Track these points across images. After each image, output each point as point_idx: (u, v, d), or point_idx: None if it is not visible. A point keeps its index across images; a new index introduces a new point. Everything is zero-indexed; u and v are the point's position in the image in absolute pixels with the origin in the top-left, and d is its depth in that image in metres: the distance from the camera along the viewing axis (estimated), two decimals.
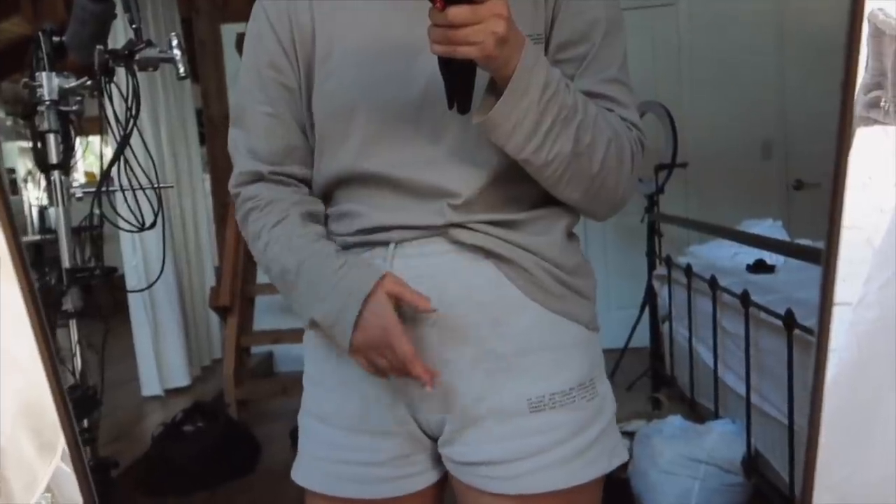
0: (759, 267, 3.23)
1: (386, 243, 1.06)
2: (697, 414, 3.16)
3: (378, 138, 1.05)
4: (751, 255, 3.32)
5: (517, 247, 1.06)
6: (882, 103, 0.89)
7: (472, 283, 1.05)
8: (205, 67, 4.85)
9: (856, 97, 0.84)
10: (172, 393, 4.57)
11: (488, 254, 1.05)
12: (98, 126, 2.20)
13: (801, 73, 4.71)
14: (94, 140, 2.57)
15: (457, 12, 0.85)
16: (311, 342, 1.16)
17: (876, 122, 0.90)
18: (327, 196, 1.14)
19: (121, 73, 2.07)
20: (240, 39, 1.21)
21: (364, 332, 1.00)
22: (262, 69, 1.12)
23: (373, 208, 1.07)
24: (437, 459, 1.13)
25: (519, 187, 1.06)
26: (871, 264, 0.90)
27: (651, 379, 4.01)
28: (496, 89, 0.95)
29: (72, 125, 2.23)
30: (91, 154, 2.54)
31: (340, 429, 1.11)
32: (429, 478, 1.13)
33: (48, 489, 0.74)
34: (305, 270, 1.05)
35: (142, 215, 2.11)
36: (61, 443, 0.74)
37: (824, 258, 0.80)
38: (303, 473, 1.15)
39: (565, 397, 1.06)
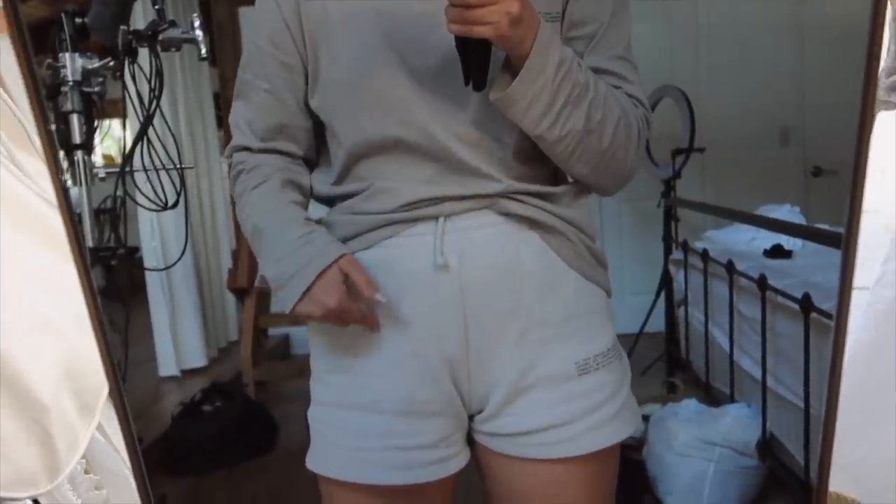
0: (776, 252, 3.23)
1: (435, 217, 1.06)
2: (713, 397, 3.16)
3: (398, 103, 1.06)
4: (768, 240, 3.32)
5: (559, 217, 1.09)
6: None
7: (520, 253, 1.07)
8: (222, 50, 4.85)
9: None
10: (189, 374, 4.58)
11: (533, 224, 1.08)
12: (118, 108, 2.21)
13: (819, 60, 4.67)
14: (114, 123, 2.59)
15: None
16: (323, 333, 1.16)
17: None
18: (350, 173, 1.13)
19: (142, 54, 2.08)
20: None
21: (308, 303, 1.04)
22: (263, 45, 1.13)
23: (409, 182, 1.07)
24: (468, 440, 1.15)
25: (545, 163, 1.09)
26: (889, 246, 0.91)
27: (666, 363, 4.01)
28: (511, 67, 0.97)
29: (94, 106, 2.25)
30: (109, 137, 2.56)
31: (385, 413, 1.08)
32: (462, 460, 1.14)
33: (83, 456, 0.76)
34: (270, 231, 1.09)
35: (165, 195, 2.13)
36: (100, 407, 0.76)
37: (844, 239, 0.81)
38: (335, 464, 1.11)
39: (605, 358, 1.11)
